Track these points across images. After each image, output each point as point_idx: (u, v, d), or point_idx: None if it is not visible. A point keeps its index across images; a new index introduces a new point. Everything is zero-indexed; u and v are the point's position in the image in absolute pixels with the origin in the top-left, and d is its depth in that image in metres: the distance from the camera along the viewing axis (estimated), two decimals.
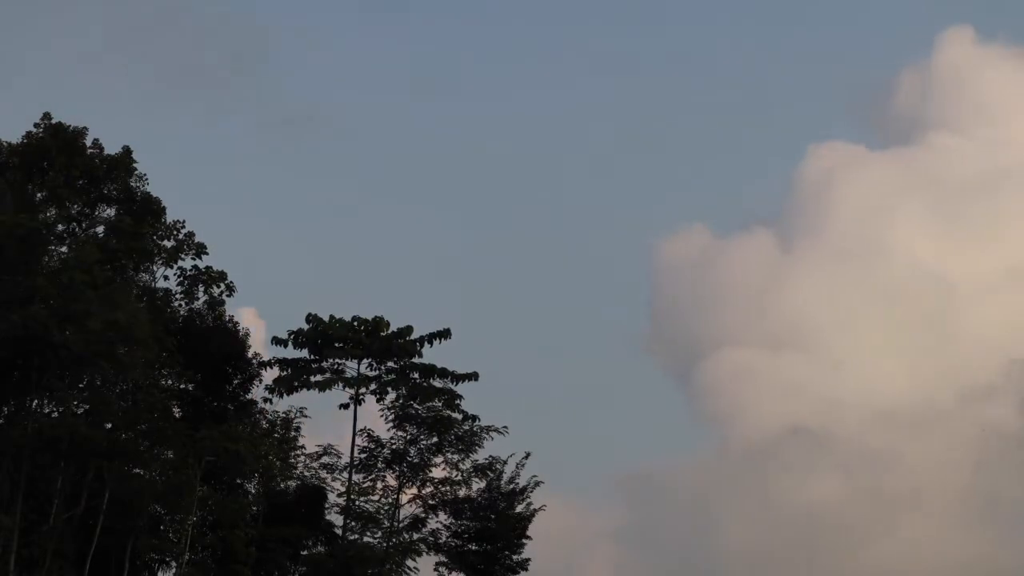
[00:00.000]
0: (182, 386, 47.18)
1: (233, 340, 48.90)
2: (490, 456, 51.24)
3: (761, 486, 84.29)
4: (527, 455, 51.70)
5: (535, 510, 51.43)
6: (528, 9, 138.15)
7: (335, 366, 51.30)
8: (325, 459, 50.57)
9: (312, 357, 51.32)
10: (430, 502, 50.99)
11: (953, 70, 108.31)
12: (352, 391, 50.61)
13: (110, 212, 47.63)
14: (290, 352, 50.99)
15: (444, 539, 51.08)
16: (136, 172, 47.69)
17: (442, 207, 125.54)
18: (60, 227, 44.65)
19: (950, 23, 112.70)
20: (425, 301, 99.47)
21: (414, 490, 50.94)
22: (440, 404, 50.29)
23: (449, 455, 50.81)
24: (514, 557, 51.26)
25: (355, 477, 50.33)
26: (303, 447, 50.50)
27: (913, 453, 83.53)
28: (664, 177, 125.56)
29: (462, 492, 51.10)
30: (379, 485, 50.47)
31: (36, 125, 46.71)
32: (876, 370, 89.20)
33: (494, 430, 50.76)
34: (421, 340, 51.12)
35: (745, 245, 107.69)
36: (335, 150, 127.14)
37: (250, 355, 49.63)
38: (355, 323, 51.26)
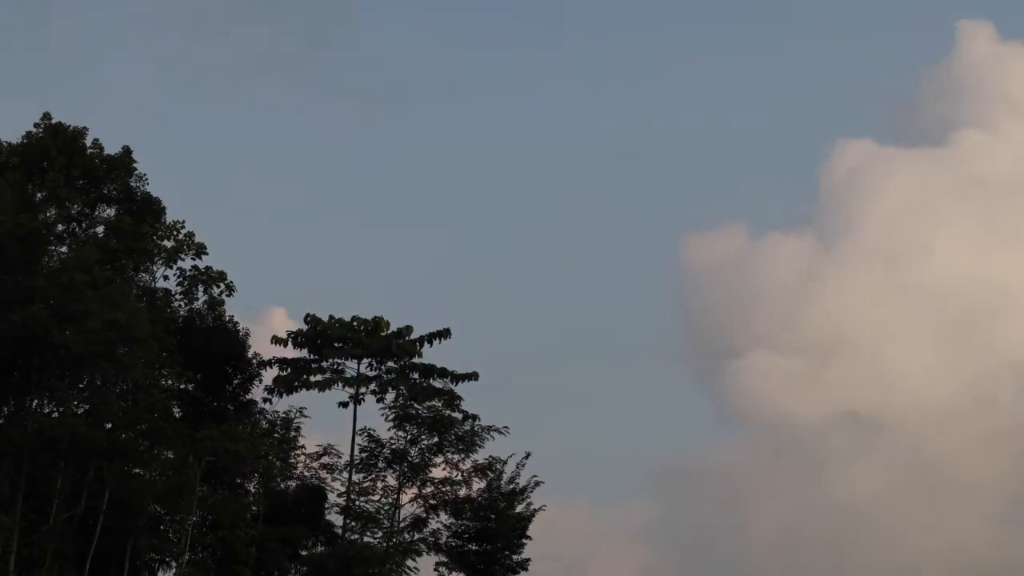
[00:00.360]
0: (182, 386, 47.18)
1: (233, 340, 48.92)
2: (490, 456, 51.35)
3: (795, 483, 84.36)
4: (527, 455, 51.80)
5: (535, 510, 51.48)
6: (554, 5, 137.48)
7: (335, 366, 51.37)
8: (325, 459, 50.63)
9: (312, 357, 51.37)
10: (430, 502, 51.00)
11: (976, 67, 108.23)
12: (352, 391, 50.66)
13: (110, 212, 47.63)
14: (290, 352, 51.16)
15: (444, 539, 51.10)
16: (136, 172, 47.76)
17: (459, 208, 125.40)
18: (60, 227, 44.63)
19: (967, 18, 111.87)
20: (451, 300, 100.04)
21: (414, 490, 50.98)
22: (440, 404, 50.32)
23: (449, 455, 50.82)
24: (514, 557, 51.26)
25: (355, 477, 50.37)
26: (303, 447, 50.56)
27: (951, 449, 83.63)
28: (691, 177, 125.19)
29: (462, 492, 51.14)
30: (379, 485, 50.50)
31: (36, 125, 46.73)
32: (914, 367, 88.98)
33: (494, 430, 50.82)
34: (421, 340, 51.18)
35: (779, 245, 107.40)
36: (335, 149, 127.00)
37: (250, 355, 49.70)
38: (355, 323, 51.29)
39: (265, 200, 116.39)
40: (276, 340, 50.89)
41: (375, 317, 51.46)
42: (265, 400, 50.24)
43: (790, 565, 78.85)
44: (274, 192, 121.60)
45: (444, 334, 51.21)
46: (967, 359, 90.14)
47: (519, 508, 51.17)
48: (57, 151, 45.66)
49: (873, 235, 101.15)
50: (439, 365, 51.08)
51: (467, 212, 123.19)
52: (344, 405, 50.83)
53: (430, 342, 51.21)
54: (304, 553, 49.69)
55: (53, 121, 46.66)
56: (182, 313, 48.54)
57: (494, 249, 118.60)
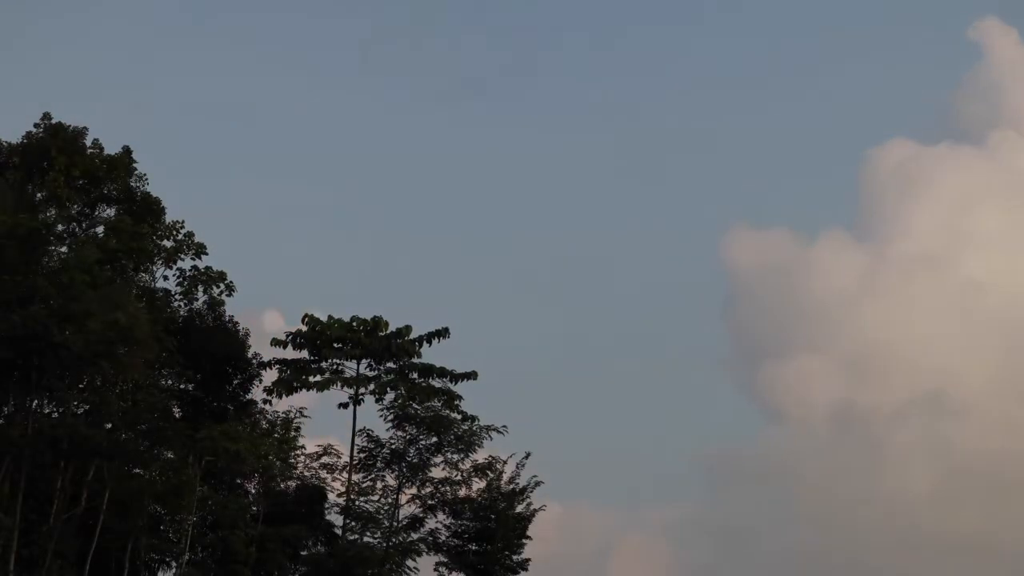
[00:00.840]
0: (182, 386, 47.23)
1: (233, 340, 48.94)
2: (490, 456, 51.34)
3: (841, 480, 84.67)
4: (527, 455, 51.82)
5: (535, 510, 51.48)
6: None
7: (334, 366, 51.35)
8: (325, 459, 50.59)
9: (311, 357, 51.36)
10: (429, 502, 50.99)
11: (1006, 70, 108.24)
12: (351, 391, 50.66)
13: (110, 212, 47.66)
14: (289, 353, 51.14)
15: (444, 539, 51.09)
16: (136, 172, 47.78)
17: (459, 208, 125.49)
18: (60, 227, 44.61)
19: (982, 19, 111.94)
20: (452, 301, 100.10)
21: (413, 490, 50.98)
22: (439, 404, 50.31)
23: (448, 455, 50.80)
24: (514, 557, 51.25)
25: (355, 477, 50.33)
26: (303, 447, 50.54)
27: (998, 446, 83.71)
28: (731, 177, 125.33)
29: (462, 492, 51.12)
30: (379, 485, 50.47)
31: (36, 125, 46.75)
32: (960, 368, 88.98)
33: (493, 430, 50.81)
34: (420, 340, 51.17)
35: (821, 248, 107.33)
36: (336, 149, 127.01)
37: (250, 355, 49.71)
38: (354, 323, 51.28)
39: (265, 200, 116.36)
40: (276, 341, 50.95)
41: (374, 317, 51.46)
42: (265, 400, 50.33)
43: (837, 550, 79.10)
44: (274, 192, 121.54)
45: (443, 334, 51.22)
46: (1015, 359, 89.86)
47: (519, 508, 51.17)
48: (57, 151, 45.66)
49: (915, 234, 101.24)
50: (438, 365, 51.15)
51: (467, 212, 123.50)
52: (344, 406, 50.89)
53: (429, 342, 51.23)
54: (304, 553, 49.66)
55: (53, 121, 46.68)
56: (182, 313, 48.57)
57: (495, 249, 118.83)
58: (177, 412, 45.81)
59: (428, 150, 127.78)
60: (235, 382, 49.37)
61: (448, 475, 50.86)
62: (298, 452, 50.27)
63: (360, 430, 50.68)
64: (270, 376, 50.64)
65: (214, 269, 48.78)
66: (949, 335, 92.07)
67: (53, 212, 44.48)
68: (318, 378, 50.94)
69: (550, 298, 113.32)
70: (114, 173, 47.21)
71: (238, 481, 48.47)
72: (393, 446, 50.41)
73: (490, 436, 50.78)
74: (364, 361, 51.53)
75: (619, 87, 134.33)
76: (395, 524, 50.16)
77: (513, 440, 52.80)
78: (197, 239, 48.38)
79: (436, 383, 50.95)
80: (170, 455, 44.44)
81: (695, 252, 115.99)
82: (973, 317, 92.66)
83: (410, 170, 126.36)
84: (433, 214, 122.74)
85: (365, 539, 49.61)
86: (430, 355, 51.29)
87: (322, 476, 50.51)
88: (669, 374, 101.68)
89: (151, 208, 47.70)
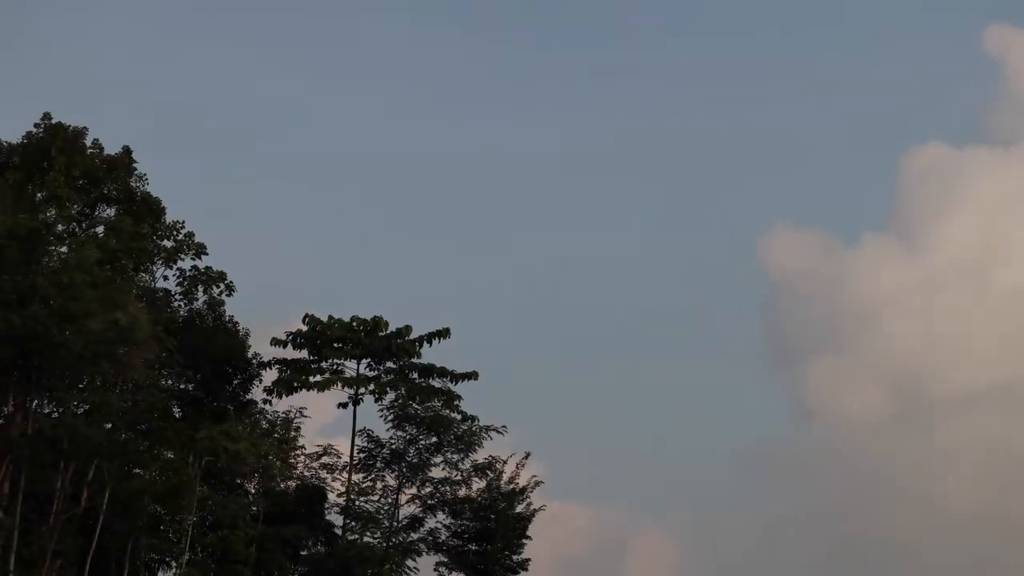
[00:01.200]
0: (182, 386, 47.22)
1: (233, 340, 48.94)
2: (490, 456, 51.35)
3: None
4: (527, 455, 51.88)
5: (535, 510, 51.50)
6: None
7: (334, 366, 51.36)
8: (325, 459, 50.61)
9: (311, 357, 51.36)
10: (429, 502, 51.00)
11: None
12: (351, 391, 50.65)
13: (110, 212, 47.67)
14: (289, 352, 51.15)
15: (444, 539, 51.11)
16: (136, 172, 47.78)
17: (461, 208, 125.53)
18: (60, 227, 44.60)
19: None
20: (451, 300, 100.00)
21: (413, 490, 50.99)
22: (439, 404, 50.32)
23: (448, 455, 50.82)
24: (514, 557, 51.28)
25: (355, 477, 50.35)
26: (303, 447, 50.55)
27: None
28: (765, 179, 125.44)
29: (462, 492, 51.14)
30: (379, 485, 50.49)
31: (36, 125, 46.74)
32: (998, 370, 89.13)
33: (493, 429, 50.83)
34: (420, 340, 51.17)
35: (858, 250, 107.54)
36: (336, 149, 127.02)
37: (250, 355, 49.71)
38: (354, 323, 51.28)
39: (265, 200, 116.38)
40: (276, 341, 50.93)
41: (374, 317, 51.46)
42: (265, 400, 50.33)
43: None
44: (274, 192, 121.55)
45: (443, 334, 51.21)
46: None
47: (519, 508, 51.19)
48: (57, 151, 45.66)
49: (952, 238, 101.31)
50: (438, 365, 51.16)
51: (467, 212, 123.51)
52: (344, 406, 50.90)
53: (429, 342, 51.23)
54: (304, 553, 49.68)
55: (53, 121, 46.67)
56: (182, 313, 48.57)
57: (495, 249, 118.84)
58: (177, 412, 45.83)
59: (428, 150, 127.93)
60: (235, 382, 49.36)
61: (448, 475, 50.93)
62: (298, 452, 50.32)
63: (360, 430, 50.80)
64: (270, 376, 50.74)
65: (214, 269, 48.81)
66: (985, 336, 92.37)
67: (53, 212, 44.44)
68: (318, 378, 50.94)
69: (550, 298, 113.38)
70: (114, 173, 47.23)
71: (238, 481, 48.47)
72: (393, 446, 50.43)
73: (490, 436, 50.87)
74: (364, 361, 51.55)
75: (645, 87, 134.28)
76: (395, 524, 50.18)
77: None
78: (197, 239, 48.44)
79: (436, 383, 50.99)
80: (170, 455, 44.43)
81: (733, 252, 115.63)
82: (1012, 322, 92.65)
83: (410, 170, 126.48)
84: (433, 214, 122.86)
85: (365, 539, 49.62)
86: (430, 355, 51.41)
87: (322, 476, 50.58)
88: (705, 372, 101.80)
89: (151, 208, 47.70)
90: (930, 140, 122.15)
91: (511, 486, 51.22)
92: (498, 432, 50.83)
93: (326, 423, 66.83)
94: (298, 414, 49.93)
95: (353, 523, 49.76)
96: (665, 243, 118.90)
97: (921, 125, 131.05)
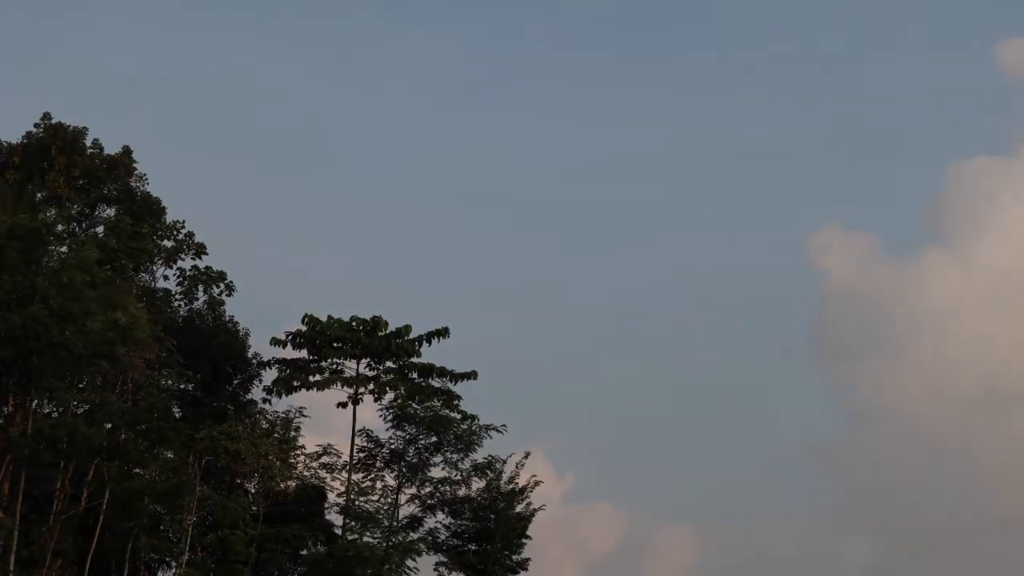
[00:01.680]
0: (182, 386, 47.23)
1: (233, 340, 48.95)
2: (490, 455, 51.39)
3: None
4: (527, 455, 51.94)
5: (535, 510, 51.54)
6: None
7: (334, 366, 51.36)
8: (325, 459, 50.60)
9: (311, 357, 51.37)
10: (429, 502, 51.02)
11: None
12: (351, 391, 50.66)
13: (110, 212, 47.72)
14: (289, 352, 51.16)
15: (443, 539, 51.13)
16: (136, 172, 47.83)
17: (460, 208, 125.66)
18: (60, 227, 44.63)
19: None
20: (451, 300, 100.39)
21: (413, 490, 51.02)
22: (439, 404, 50.34)
23: (448, 455, 50.84)
24: (514, 557, 51.31)
25: (354, 477, 50.35)
26: (303, 447, 50.55)
27: None
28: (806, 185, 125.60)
29: (461, 492, 51.17)
30: (378, 485, 50.50)
31: (36, 125, 46.82)
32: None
33: (492, 429, 50.86)
34: (420, 339, 51.18)
35: (910, 260, 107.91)
36: (336, 149, 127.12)
37: (250, 355, 49.73)
38: (353, 323, 51.28)
39: (265, 200, 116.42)
40: (275, 341, 50.95)
41: (374, 317, 51.42)
42: (265, 400, 50.34)
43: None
44: (274, 192, 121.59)
45: (443, 333, 51.21)
46: None
47: (519, 508, 51.22)
48: (57, 151, 45.72)
49: (1002, 245, 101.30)
50: (438, 365, 51.16)
51: (467, 212, 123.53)
52: (343, 405, 50.89)
53: (429, 342, 51.22)
54: (304, 553, 49.67)
55: (53, 121, 46.72)
56: (182, 313, 48.60)
57: (495, 249, 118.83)
58: (177, 412, 45.82)
59: (428, 150, 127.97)
60: (235, 382, 49.41)
61: (448, 475, 50.97)
62: (298, 452, 50.33)
63: (360, 430, 50.80)
64: (270, 376, 50.76)
65: (214, 269, 48.84)
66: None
67: (53, 212, 44.48)
68: (318, 378, 50.94)
69: (550, 298, 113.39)
70: (114, 173, 47.30)
71: (238, 481, 48.46)
72: (393, 446, 50.46)
73: (490, 436, 50.91)
74: (364, 361, 51.54)
75: (687, 91, 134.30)
76: (395, 524, 50.17)
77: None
78: (197, 239, 48.48)
79: (436, 383, 50.98)
80: (170, 455, 44.42)
81: (782, 253, 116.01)
82: None
83: (409, 169, 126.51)
84: (433, 214, 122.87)
85: (365, 539, 49.60)
86: (430, 355, 51.37)
87: (322, 476, 50.56)
88: (756, 372, 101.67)
89: (151, 208, 47.79)
90: (979, 150, 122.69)
91: (511, 486, 51.27)
92: (498, 431, 50.93)
93: (326, 423, 66.84)
94: (298, 414, 50.03)
95: (353, 523, 49.72)
96: (710, 242, 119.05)
97: (969, 132, 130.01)
